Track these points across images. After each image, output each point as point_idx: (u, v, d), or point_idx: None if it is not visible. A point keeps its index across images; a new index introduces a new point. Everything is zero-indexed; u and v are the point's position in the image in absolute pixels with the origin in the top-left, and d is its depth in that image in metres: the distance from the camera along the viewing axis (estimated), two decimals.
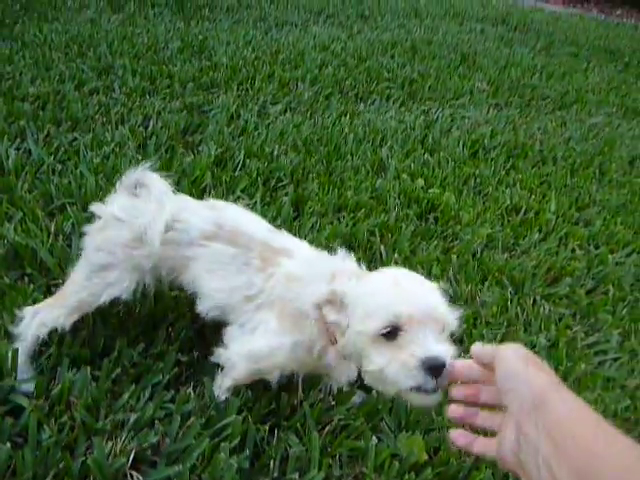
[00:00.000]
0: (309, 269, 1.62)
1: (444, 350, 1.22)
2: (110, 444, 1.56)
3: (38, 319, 1.81)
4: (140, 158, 3.06)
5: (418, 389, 1.23)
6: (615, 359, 2.37)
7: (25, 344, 1.80)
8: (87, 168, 2.88)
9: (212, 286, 1.71)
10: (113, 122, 3.46)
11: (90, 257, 1.80)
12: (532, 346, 2.30)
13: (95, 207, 1.86)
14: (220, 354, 1.72)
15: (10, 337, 1.84)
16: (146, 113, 3.64)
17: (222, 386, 1.75)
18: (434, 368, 1.19)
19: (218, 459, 1.53)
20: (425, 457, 1.67)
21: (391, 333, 1.28)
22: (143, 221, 1.71)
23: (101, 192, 2.60)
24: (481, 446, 0.97)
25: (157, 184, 1.78)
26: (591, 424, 0.77)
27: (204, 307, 1.75)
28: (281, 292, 1.62)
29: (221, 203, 1.89)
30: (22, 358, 1.79)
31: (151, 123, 3.51)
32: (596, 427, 0.76)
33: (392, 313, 1.28)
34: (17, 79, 3.86)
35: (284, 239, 1.78)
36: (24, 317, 1.83)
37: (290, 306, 1.59)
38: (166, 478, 1.53)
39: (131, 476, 1.53)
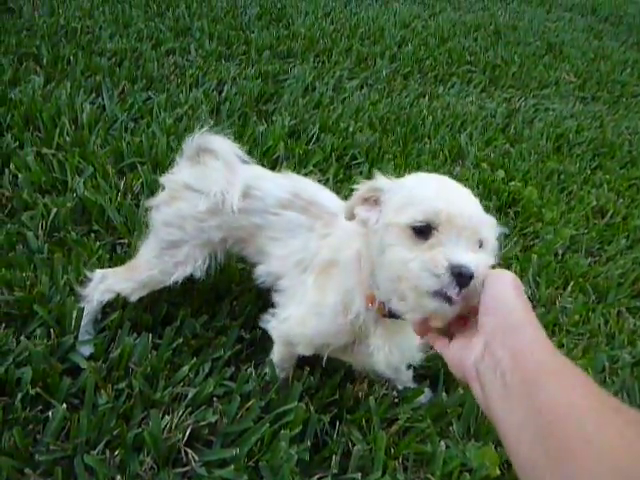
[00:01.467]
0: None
1: (476, 262, 1.04)
2: (167, 418, 1.49)
3: (105, 285, 1.76)
4: (213, 123, 2.98)
5: (438, 294, 1.05)
6: None
7: (90, 306, 1.76)
8: (159, 128, 2.83)
9: (273, 253, 1.62)
10: (187, 84, 3.39)
11: (159, 233, 1.71)
12: (614, 361, 2.12)
13: (164, 178, 1.77)
14: (266, 321, 1.63)
15: (74, 294, 1.79)
16: (221, 78, 3.56)
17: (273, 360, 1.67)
18: (462, 276, 1.02)
19: (278, 447, 1.44)
20: (497, 472, 1.54)
21: (424, 230, 1.11)
22: (218, 188, 1.61)
23: (172, 153, 2.53)
24: (441, 346, 1.02)
25: (225, 148, 1.69)
26: (553, 355, 0.78)
27: (259, 271, 1.67)
28: (326, 250, 1.51)
29: (296, 175, 1.79)
30: (86, 320, 1.75)
31: (225, 88, 3.42)
32: (557, 356, 0.78)
33: (432, 208, 1.11)
34: (96, 34, 3.85)
35: None
36: (92, 279, 1.78)
37: (326, 257, 1.48)
38: (221, 460, 1.45)
39: (185, 453, 1.46)
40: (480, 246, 1.13)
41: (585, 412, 0.68)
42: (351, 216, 1.31)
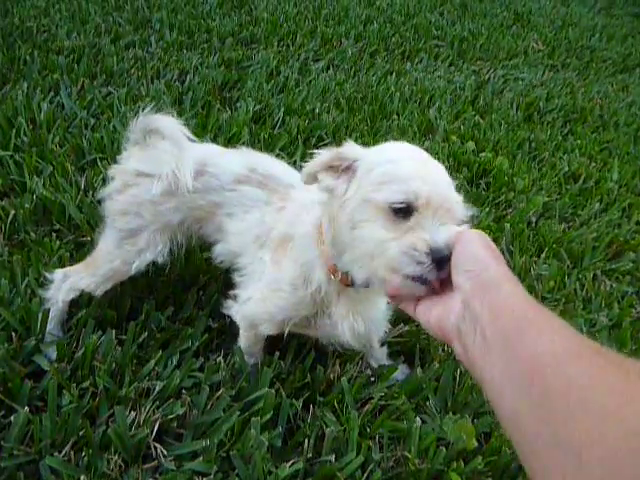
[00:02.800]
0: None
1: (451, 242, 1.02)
2: (133, 414, 1.45)
3: (68, 284, 1.71)
4: (175, 114, 2.92)
5: (417, 278, 1.04)
6: None
7: (56, 308, 1.71)
8: (120, 123, 2.76)
9: (231, 230, 1.58)
10: (149, 77, 3.32)
11: (116, 223, 1.66)
12: (592, 324, 2.11)
13: (111, 170, 1.72)
14: (229, 306, 1.60)
15: (36, 295, 1.74)
16: (183, 68, 3.49)
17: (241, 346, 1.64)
18: (440, 260, 1.01)
19: (248, 435, 1.41)
20: (475, 444, 1.52)
21: (405, 210, 1.08)
22: (169, 168, 1.56)
23: None
24: (414, 310, 1.02)
25: (171, 126, 1.64)
26: (532, 307, 0.77)
27: (218, 250, 1.64)
28: (282, 225, 1.48)
29: (252, 150, 1.75)
30: (53, 322, 1.71)
31: (188, 78, 3.35)
32: (536, 308, 0.77)
33: (414, 189, 1.08)
34: (53, 32, 3.75)
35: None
36: (53, 280, 1.73)
37: (282, 231, 1.45)
38: (192, 453, 1.42)
39: (155, 449, 1.42)
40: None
41: (565, 357, 0.68)
42: (312, 180, 1.27)
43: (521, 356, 0.71)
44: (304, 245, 1.38)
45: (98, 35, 3.79)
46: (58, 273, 1.75)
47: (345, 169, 1.22)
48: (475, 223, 2.42)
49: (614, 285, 2.35)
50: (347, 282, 1.32)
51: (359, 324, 1.41)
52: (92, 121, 2.81)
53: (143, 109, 2.87)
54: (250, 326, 1.57)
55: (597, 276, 2.38)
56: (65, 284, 1.72)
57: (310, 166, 1.26)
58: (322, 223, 1.33)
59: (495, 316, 0.78)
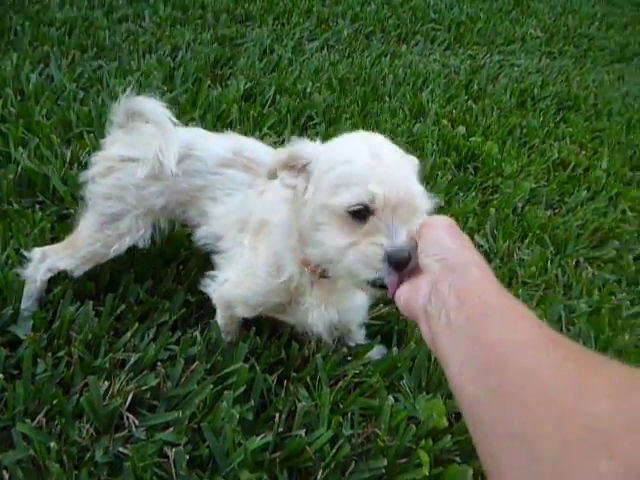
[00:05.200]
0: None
1: (411, 242, 1.04)
2: (107, 384, 1.46)
3: (47, 264, 1.71)
4: (166, 89, 2.91)
5: (375, 283, 1.08)
6: None
7: (34, 286, 1.71)
8: (109, 96, 2.74)
9: (213, 213, 1.59)
10: (140, 51, 3.30)
11: (99, 207, 1.66)
12: (571, 311, 2.12)
13: (96, 157, 1.70)
14: (206, 285, 1.60)
15: (14, 266, 1.75)
16: (175, 43, 3.47)
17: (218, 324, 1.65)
18: (399, 262, 1.02)
19: (220, 408, 1.42)
20: (445, 423, 1.53)
21: (360, 213, 1.09)
22: (153, 152, 1.56)
23: None
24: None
25: (155, 109, 1.63)
26: (498, 294, 0.78)
27: (200, 233, 1.64)
28: (261, 209, 1.48)
29: (238, 135, 1.75)
30: (30, 301, 1.70)
31: (180, 54, 3.33)
32: (502, 295, 0.78)
33: (369, 192, 1.08)
34: (45, 3, 3.72)
35: None
36: (32, 259, 1.73)
37: (259, 217, 1.46)
38: (164, 424, 1.43)
39: (127, 419, 1.43)
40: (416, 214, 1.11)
41: (525, 347, 0.67)
42: (274, 177, 1.28)
43: (483, 343, 0.71)
44: (278, 234, 1.38)
45: (91, 8, 3.78)
46: (36, 252, 1.73)
47: (301, 168, 1.23)
48: (461, 206, 2.44)
49: (596, 272, 2.36)
50: (321, 274, 1.33)
51: (331, 314, 1.43)
52: (81, 94, 2.79)
53: (132, 83, 2.90)
54: (226, 307, 1.58)
55: (579, 263, 2.38)
56: (43, 264, 1.72)
57: (270, 163, 1.28)
58: (291, 218, 1.33)
59: (461, 300, 0.79)
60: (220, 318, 1.63)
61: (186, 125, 1.98)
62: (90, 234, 1.67)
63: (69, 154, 2.31)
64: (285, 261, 1.38)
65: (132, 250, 1.86)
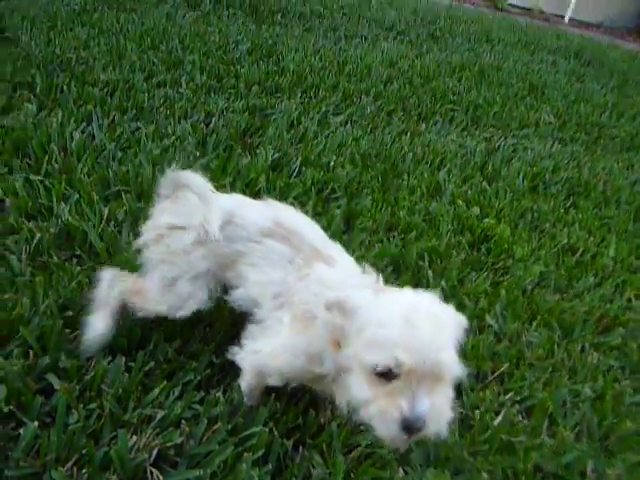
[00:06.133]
0: (338, 277, 1.57)
1: (428, 409, 1.20)
2: (135, 438, 1.55)
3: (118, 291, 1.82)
4: (198, 154, 3.09)
5: (390, 439, 1.24)
6: None
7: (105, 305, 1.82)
8: (146, 158, 2.91)
9: (251, 278, 1.69)
10: (176, 116, 3.50)
11: (158, 271, 1.78)
12: (576, 395, 2.19)
13: (145, 227, 1.84)
14: (235, 352, 1.69)
15: (54, 315, 1.86)
16: (209, 110, 3.68)
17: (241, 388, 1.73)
18: (411, 429, 1.18)
19: (240, 469, 1.50)
20: None
21: (386, 375, 1.23)
22: (198, 219, 1.69)
23: (157, 183, 2.61)
24: None
25: (195, 180, 1.76)
26: None
27: (235, 295, 1.74)
28: (305, 294, 1.58)
29: (278, 203, 1.86)
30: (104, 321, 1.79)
31: (213, 121, 3.53)
32: None
33: (394, 358, 1.22)
34: (90, 64, 3.97)
35: (333, 248, 1.73)
36: (102, 280, 1.84)
37: (306, 307, 1.55)
38: None
39: (151, 473, 1.51)
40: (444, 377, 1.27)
41: None
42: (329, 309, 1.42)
43: None
44: (324, 330, 1.47)
45: (132, 71, 4.01)
46: (107, 273, 1.86)
47: (349, 312, 1.37)
48: (473, 286, 2.54)
49: (601, 358, 2.44)
50: None
51: None
52: (120, 154, 2.97)
53: (168, 147, 3.08)
54: (257, 375, 1.66)
55: (585, 348, 2.47)
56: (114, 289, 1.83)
57: (326, 301, 1.43)
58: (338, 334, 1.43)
59: None
60: (245, 383, 1.71)
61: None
62: (156, 296, 1.78)
63: (107, 212, 2.46)
64: (326, 356, 1.48)
65: None
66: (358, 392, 1.27)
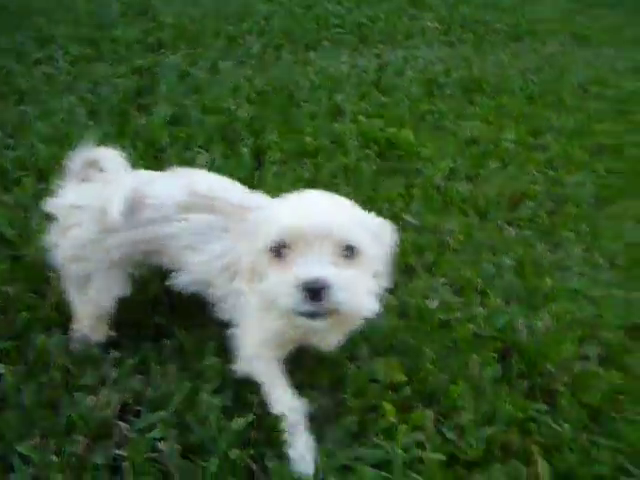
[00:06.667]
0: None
1: (328, 273, 1.15)
2: (94, 398, 1.57)
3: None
4: (92, 124, 3.00)
5: (297, 312, 1.18)
6: (579, 273, 2.43)
7: None
8: (38, 138, 2.81)
9: (191, 261, 1.58)
10: (60, 91, 3.36)
11: (70, 273, 1.67)
12: (499, 267, 2.34)
13: (48, 205, 1.68)
14: (235, 369, 1.61)
15: None
16: (94, 80, 3.55)
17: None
18: (312, 290, 1.13)
19: (202, 400, 1.55)
20: (404, 377, 1.71)
21: (278, 250, 1.21)
22: (99, 203, 1.56)
23: (54, 161, 2.54)
24: None
25: (108, 156, 1.67)
26: None
27: (181, 281, 1.63)
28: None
29: (185, 169, 1.73)
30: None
31: (100, 89, 3.42)
32: None
33: (278, 228, 1.20)
34: None
35: (258, 197, 1.63)
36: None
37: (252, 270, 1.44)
38: (152, 424, 1.55)
39: (117, 426, 1.54)
40: (352, 254, 1.22)
41: None
42: None
43: None
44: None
45: (3, 56, 3.79)
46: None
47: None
48: (386, 192, 2.65)
49: (517, 231, 2.61)
50: None
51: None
52: (10, 141, 2.85)
53: (58, 124, 2.97)
54: (255, 357, 1.58)
55: (501, 225, 2.63)
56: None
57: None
58: None
59: None
60: (264, 377, 1.59)
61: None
62: (78, 303, 1.71)
63: (12, 199, 2.38)
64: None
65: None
66: (265, 280, 1.23)
